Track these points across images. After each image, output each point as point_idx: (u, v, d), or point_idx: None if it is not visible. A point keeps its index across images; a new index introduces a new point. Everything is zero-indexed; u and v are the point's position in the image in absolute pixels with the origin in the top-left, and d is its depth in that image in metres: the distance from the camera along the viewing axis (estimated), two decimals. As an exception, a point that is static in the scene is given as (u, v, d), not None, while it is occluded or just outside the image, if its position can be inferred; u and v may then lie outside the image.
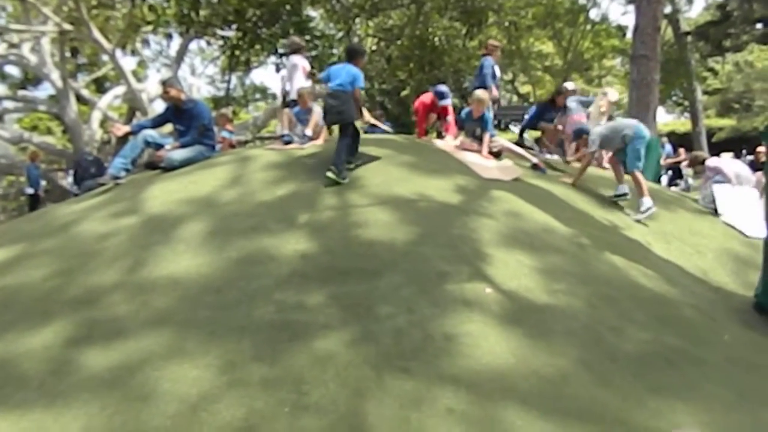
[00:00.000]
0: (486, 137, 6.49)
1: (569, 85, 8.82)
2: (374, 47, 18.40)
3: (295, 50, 7.47)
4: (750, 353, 3.35)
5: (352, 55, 5.66)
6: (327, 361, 2.67)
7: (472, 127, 6.60)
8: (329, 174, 4.84)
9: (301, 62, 7.37)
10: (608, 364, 2.84)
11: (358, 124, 5.80)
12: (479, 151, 6.38)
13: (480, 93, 6.52)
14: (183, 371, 2.59)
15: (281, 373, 2.58)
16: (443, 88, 7.10)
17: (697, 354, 3.11)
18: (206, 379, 2.55)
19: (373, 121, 6.96)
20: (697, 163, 7.21)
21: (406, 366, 2.65)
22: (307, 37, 15.81)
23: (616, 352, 2.96)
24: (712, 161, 6.93)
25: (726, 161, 7.16)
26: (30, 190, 12.42)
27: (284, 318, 3.00)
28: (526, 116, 8.26)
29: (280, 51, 15.46)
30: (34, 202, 12.27)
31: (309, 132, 6.43)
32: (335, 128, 6.25)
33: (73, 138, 16.82)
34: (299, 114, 6.79)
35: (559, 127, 7.88)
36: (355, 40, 17.52)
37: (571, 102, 7.96)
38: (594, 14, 26.49)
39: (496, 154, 6.66)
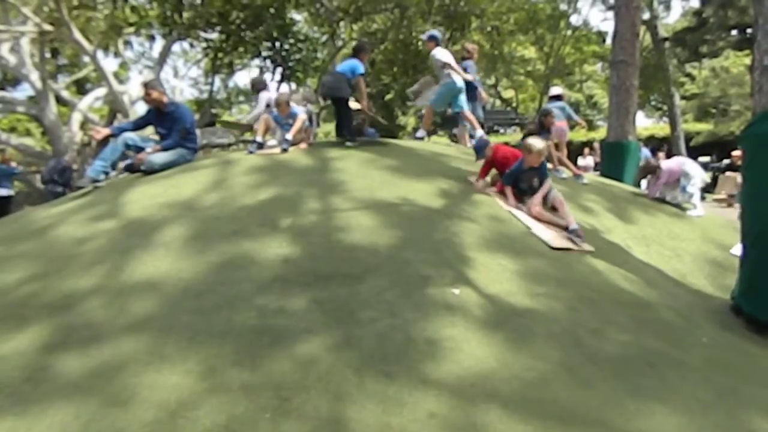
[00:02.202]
0: (546, 184, 5.13)
1: (554, 90, 8.85)
2: (358, 51, 18.38)
3: (261, 89, 7.72)
4: (728, 355, 3.39)
5: (357, 50, 7.17)
6: (309, 366, 2.65)
7: (528, 179, 5.13)
8: (348, 143, 6.61)
9: (267, 96, 7.59)
10: (589, 366, 2.86)
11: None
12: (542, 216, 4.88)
13: (537, 144, 5.08)
14: (162, 377, 2.56)
15: (262, 379, 2.56)
16: (480, 142, 5.91)
17: (676, 356, 3.14)
18: (185, 385, 2.51)
19: (358, 106, 7.12)
20: (650, 172, 6.90)
21: (388, 370, 2.64)
22: (291, 41, 15.82)
23: (597, 355, 2.98)
24: (666, 164, 6.82)
25: (677, 161, 7.00)
26: None
27: (265, 323, 2.97)
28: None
29: (264, 54, 15.44)
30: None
31: (290, 137, 6.38)
32: (314, 139, 6.71)
33: (53, 140, 16.60)
34: (278, 119, 6.74)
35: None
36: (339, 43, 17.54)
37: (555, 108, 7.96)
38: (575, 20, 26.82)
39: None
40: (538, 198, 4.98)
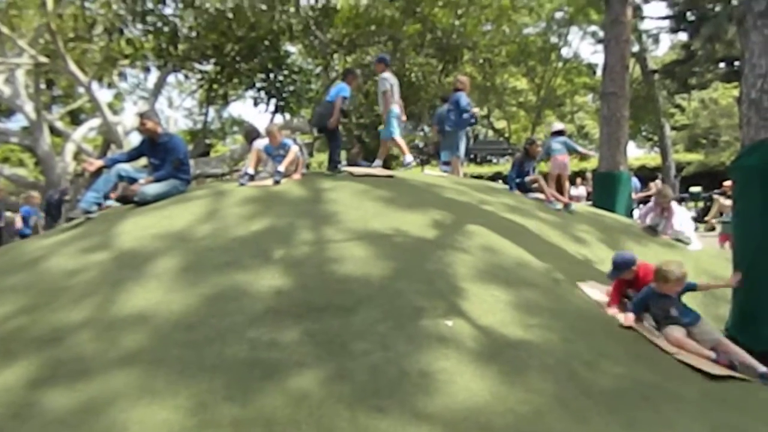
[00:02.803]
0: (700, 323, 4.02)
1: (556, 126, 9.05)
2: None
3: (254, 138, 7.82)
4: (723, 387, 3.37)
5: (344, 74, 7.71)
6: (300, 400, 2.62)
7: (663, 306, 4.05)
8: (329, 170, 7.04)
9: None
10: (583, 400, 2.83)
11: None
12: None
13: (676, 270, 3.97)
14: (151, 413, 2.51)
15: (253, 414, 2.52)
16: (624, 258, 4.44)
17: (671, 389, 3.12)
18: (175, 420, 2.47)
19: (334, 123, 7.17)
20: (668, 199, 6.92)
21: (380, 404, 2.61)
22: (285, 72, 16.00)
23: (591, 388, 2.95)
24: (675, 206, 7.00)
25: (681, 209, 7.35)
26: None
27: (257, 356, 2.94)
28: (511, 176, 7.80)
29: (258, 86, 15.58)
30: None
31: (282, 168, 6.26)
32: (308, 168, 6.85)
33: (46, 170, 16.60)
34: (269, 150, 6.71)
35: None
36: (333, 75, 17.75)
37: (556, 143, 8.12)
38: (565, 53, 27.34)
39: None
40: (678, 329, 3.95)
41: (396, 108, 8.02)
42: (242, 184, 6.15)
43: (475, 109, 9.10)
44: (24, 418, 2.52)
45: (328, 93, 7.40)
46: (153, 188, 5.67)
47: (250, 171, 6.51)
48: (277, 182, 6.13)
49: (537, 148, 7.68)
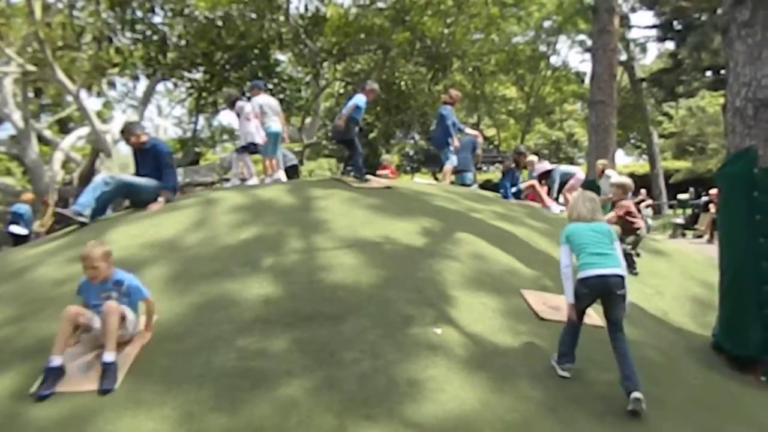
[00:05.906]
0: None
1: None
2: (341, 91, 18.69)
3: (233, 101, 7.94)
4: (710, 394, 3.40)
5: (363, 88, 7.46)
6: (289, 409, 2.61)
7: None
8: (353, 181, 6.60)
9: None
10: (572, 407, 2.85)
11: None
12: None
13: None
14: (138, 423, 2.50)
15: (241, 424, 2.51)
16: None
17: (658, 395, 3.13)
18: (163, 431, 2.46)
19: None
20: None
21: (369, 413, 2.61)
22: (275, 81, 16.00)
23: (580, 395, 2.97)
24: None
25: None
26: None
27: (246, 365, 2.93)
28: (505, 184, 7.86)
29: (248, 94, 15.57)
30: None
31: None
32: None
33: (33, 179, 16.49)
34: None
35: None
36: (323, 83, 17.78)
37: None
38: (554, 61, 27.55)
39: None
40: None
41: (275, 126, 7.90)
42: None
43: (477, 135, 9.04)
44: (10, 429, 2.50)
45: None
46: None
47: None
48: None
49: (525, 159, 7.92)
